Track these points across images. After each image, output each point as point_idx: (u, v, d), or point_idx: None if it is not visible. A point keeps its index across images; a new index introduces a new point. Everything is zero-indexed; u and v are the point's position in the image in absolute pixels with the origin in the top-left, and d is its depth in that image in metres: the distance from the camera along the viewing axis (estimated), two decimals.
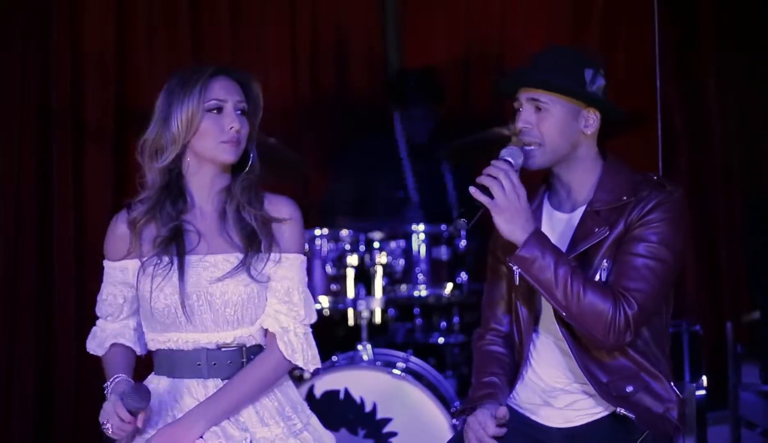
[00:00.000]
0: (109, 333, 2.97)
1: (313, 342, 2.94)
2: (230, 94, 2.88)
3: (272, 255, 2.89)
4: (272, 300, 2.90)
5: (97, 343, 2.98)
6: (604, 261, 2.90)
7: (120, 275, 2.92)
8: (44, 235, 4.97)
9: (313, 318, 2.95)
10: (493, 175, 2.82)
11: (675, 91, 5.38)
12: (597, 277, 2.89)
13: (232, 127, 2.86)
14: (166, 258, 2.84)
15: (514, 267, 2.87)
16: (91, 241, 5.00)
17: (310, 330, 2.95)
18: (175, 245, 2.85)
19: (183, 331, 2.86)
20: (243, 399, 2.85)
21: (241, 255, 2.87)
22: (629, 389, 2.90)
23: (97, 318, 3.01)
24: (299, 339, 2.89)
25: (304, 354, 2.90)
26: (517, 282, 2.94)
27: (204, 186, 2.91)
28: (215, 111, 2.86)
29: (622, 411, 2.87)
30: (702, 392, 4.45)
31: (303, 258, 2.96)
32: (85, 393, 4.91)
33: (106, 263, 2.96)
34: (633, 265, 2.85)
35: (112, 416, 2.75)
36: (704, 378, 4.58)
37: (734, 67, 5.52)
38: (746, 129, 5.54)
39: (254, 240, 2.88)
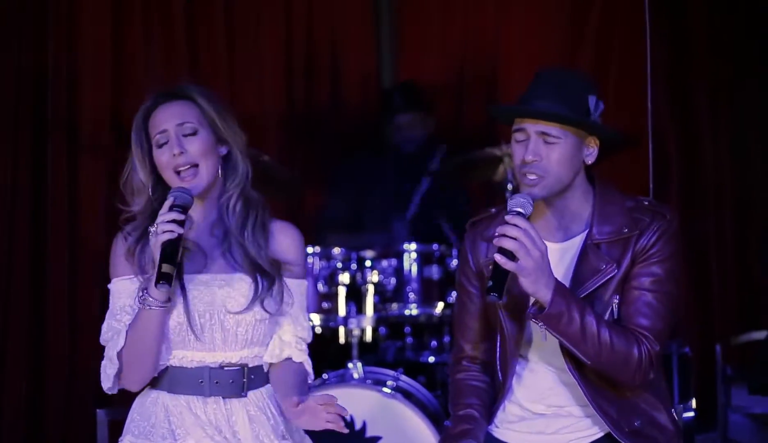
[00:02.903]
0: (120, 337, 2.82)
1: None
2: (169, 120, 2.85)
3: (285, 291, 2.89)
4: (291, 327, 2.92)
5: (112, 364, 2.80)
6: (615, 297, 2.86)
7: (130, 286, 2.84)
8: (38, 243, 4.98)
9: (311, 338, 3.00)
10: (512, 235, 2.72)
11: (667, 111, 5.40)
12: (608, 313, 2.86)
13: (174, 154, 2.82)
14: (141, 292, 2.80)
15: (540, 325, 2.81)
16: (84, 250, 5.01)
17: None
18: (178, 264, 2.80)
19: (189, 349, 2.84)
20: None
21: (248, 278, 2.86)
22: (637, 423, 2.90)
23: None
24: (306, 357, 2.97)
25: (312, 373, 2.98)
26: (545, 339, 2.89)
27: (195, 205, 2.86)
28: (164, 144, 2.84)
29: None
30: (691, 414, 4.45)
31: (306, 283, 3.00)
32: (75, 401, 4.91)
33: (114, 283, 2.87)
34: (646, 302, 2.83)
35: (158, 221, 2.72)
36: (693, 400, 4.59)
37: (726, 88, 5.54)
38: (738, 150, 5.56)
39: (264, 276, 2.85)
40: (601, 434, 2.92)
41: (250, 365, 2.89)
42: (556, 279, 2.78)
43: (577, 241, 2.91)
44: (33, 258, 4.97)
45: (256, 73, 5.49)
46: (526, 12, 5.71)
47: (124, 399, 3.02)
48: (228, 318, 2.83)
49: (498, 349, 3.00)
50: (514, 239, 2.72)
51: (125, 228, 2.90)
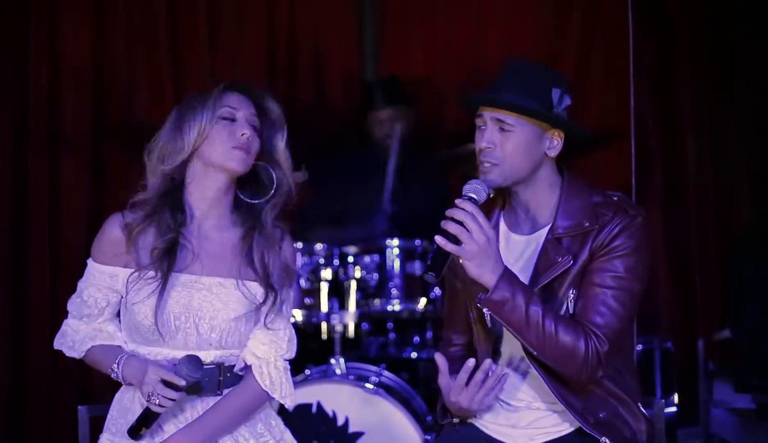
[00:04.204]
0: (83, 335, 2.94)
1: (290, 377, 2.96)
2: (242, 105, 2.89)
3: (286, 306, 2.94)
4: (256, 331, 2.91)
5: (69, 344, 2.97)
6: (570, 291, 2.86)
7: (108, 280, 2.89)
8: (19, 246, 4.96)
9: (293, 354, 2.97)
10: (458, 219, 2.76)
11: (649, 109, 5.42)
12: (564, 308, 2.86)
13: (243, 134, 2.86)
14: (158, 273, 2.82)
15: (485, 310, 2.84)
16: (65, 253, 4.99)
17: (289, 365, 2.97)
18: (167, 260, 2.82)
19: (164, 347, 2.85)
20: (223, 429, 2.86)
21: (235, 281, 2.87)
22: (602, 415, 2.90)
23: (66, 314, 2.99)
24: (278, 372, 2.92)
25: (282, 387, 2.92)
26: (489, 324, 2.92)
27: (205, 197, 2.90)
28: (228, 120, 2.87)
29: (607, 440, 2.87)
30: (673, 409, 4.49)
31: (293, 294, 3.00)
32: (57, 397, 4.90)
33: (92, 264, 2.91)
34: (601, 299, 2.82)
35: (156, 385, 2.73)
36: (675, 395, 4.61)
37: (708, 87, 5.57)
38: (720, 148, 5.59)
39: (272, 288, 2.88)
40: (572, 429, 2.94)
41: (226, 363, 2.89)
42: (506, 267, 2.79)
43: (542, 234, 2.92)
44: (14, 258, 4.95)
45: (238, 72, 5.47)
46: (508, 10, 5.71)
47: (106, 396, 3.02)
48: (202, 323, 2.84)
49: (477, 345, 3.03)
50: (460, 223, 2.74)
51: (128, 213, 2.89)
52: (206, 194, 2.90)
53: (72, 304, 2.96)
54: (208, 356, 2.86)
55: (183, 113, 2.88)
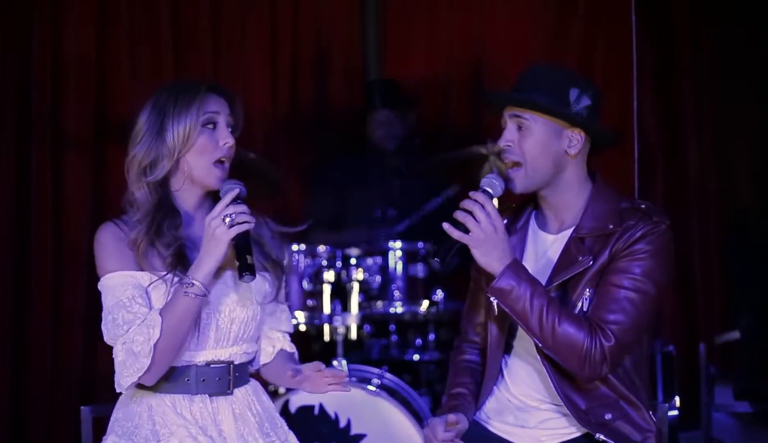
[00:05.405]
0: (150, 326, 2.75)
1: None
2: (221, 108, 2.88)
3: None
4: (282, 317, 3.01)
5: (143, 357, 2.73)
6: (587, 290, 2.89)
7: (132, 280, 2.80)
8: (22, 244, 4.96)
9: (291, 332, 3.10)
10: (467, 208, 2.83)
11: (652, 111, 5.42)
12: (579, 306, 2.89)
13: (225, 143, 2.86)
14: (176, 279, 2.79)
15: (491, 298, 2.88)
16: (69, 250, 5.00)
17: None
18: (181, 265, 2.80)
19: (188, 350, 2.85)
20: None
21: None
22: (608, 417, 2.91)
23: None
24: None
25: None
26: (496, 312, 2.96)
27: (191, 202, 2.90)
28: (210, 126, 2.85)
29: (602, 436, 2.88)
30: (675, 412, 4.49)
31: (291, 284, 3.08)
32: (59, 398, 4.89)
33: (109, 277, 2.81)
34: (614, 297, 2.85)
35: (225, 211, 2.73)
36: (677, 398, 4.61)
37: (711, 89, 5.57)
38: (722, 149, 5.59)
39: (278, 266, 2.94)
40: (580, 433, 2.95)
41: (236, 362, 2.89)
42: (515, 258, 2.87)
43: (567, 234, 2.97)
44: (17, 256, 4.95)
45: (241, 73, 5.48)
46: (511, 10, 5.72)
47: (109, 396, 3.01)
48: (222, 318, 2.84)
49: (488, 338, 3.06)
50: (470, 212, 2.82)
51: (121, 218, 2.88)
52: (191, 201, 2.91)
53: (113, 328, 2.77)
54: (222, 354, 2.85)
55: (161, 119, 2.83)
